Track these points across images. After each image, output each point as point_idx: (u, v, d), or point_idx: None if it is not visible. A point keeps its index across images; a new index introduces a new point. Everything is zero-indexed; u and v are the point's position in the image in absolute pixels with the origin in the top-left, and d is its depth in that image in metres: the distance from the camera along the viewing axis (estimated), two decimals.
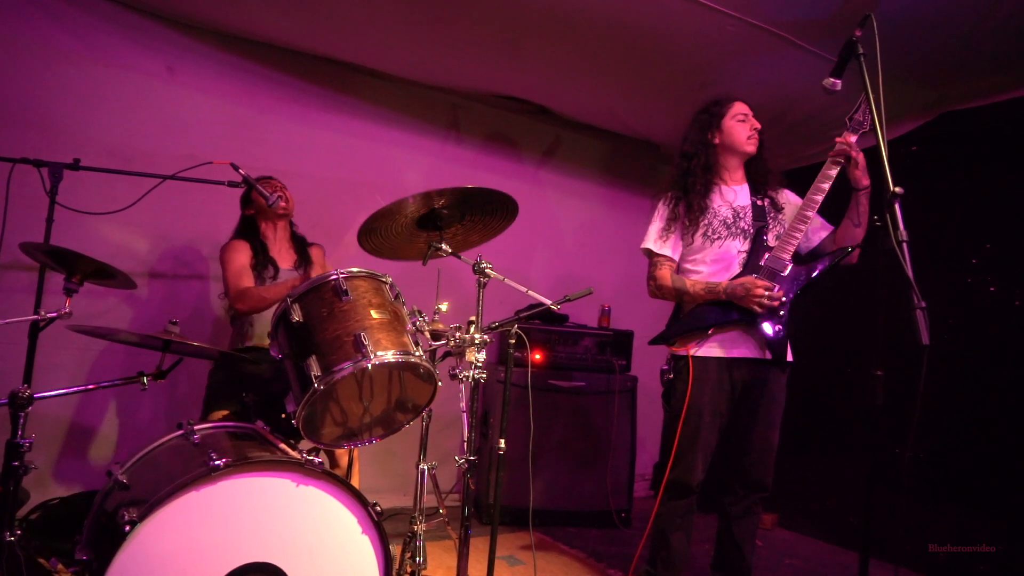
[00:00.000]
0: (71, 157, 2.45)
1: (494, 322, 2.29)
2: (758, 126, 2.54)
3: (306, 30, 3.30)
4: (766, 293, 2.33)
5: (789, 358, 2.48)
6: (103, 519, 1.78)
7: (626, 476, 3.80)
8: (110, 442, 3.14)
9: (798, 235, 2.38)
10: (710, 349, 2.45)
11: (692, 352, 2.45)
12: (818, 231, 2.52)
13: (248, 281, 2.69)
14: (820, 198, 2.35)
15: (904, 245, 1.69)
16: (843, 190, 2.39)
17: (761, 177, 2.57)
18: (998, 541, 3.01)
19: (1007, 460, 3.07)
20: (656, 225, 2.57)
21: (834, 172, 2.34)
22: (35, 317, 2.06)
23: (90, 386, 2.07)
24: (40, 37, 2.98)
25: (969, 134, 3.37)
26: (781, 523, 3.97)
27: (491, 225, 2.34)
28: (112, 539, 1.58)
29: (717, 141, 2.54)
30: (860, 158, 2.32)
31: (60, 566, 1.81)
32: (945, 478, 3.23)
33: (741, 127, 2.52)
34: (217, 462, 1.65)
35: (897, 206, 1.74)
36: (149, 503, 1.60)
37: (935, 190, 3.41)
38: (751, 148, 2.53)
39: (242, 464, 1.72)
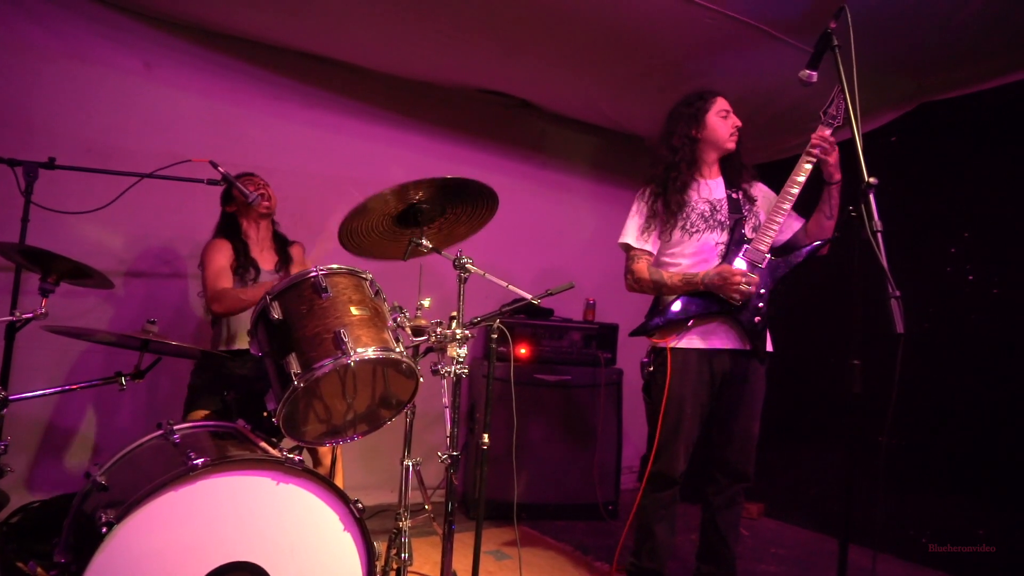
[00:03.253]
0: (46, 156, 2.42)
1: (477, 317, 2.29)
2: (739, 123, 2.56)
3: (286, 25, 3.27)
4: (743, 280, 2.35)
5: (769, 348, 2.50)
6: (81, 521, 1.76)
7: (613, 468, 3.82)
8: (92, 444, 3.11)
9: (775, 227, 2.40)
10: (690, 341, 2.46)
11: (672, 344, 2.46)
12: (791, 225, 2.54)
13: (227, 282, 2.65)
14: (796, 191, 2.37)
15: (879, 235, 1.71)
16: (814, 184, 2.41)
17: (735, 171, 2.60)
18: (978, 526, 3.05)
19: (987, 446, 3.11)
20: (635, 220, 2.58)
21: (809, 167, 2.36)
22: (11, 318, 2.03)
23: (66, 387, 2.05)
24: (13, 33, 2.93)
25: (947, 124, 3.40)
26: (767, 513, 4.00)
27: (474, 218, 2.33)
28: (90, 541, 1.56)
29: (699, 136, 2.55)
30: (834, 154, 2.34)
31: (39, 569, 1.79)
32: (926, 465, 3.27)
33: (724, 124, 2.54)
34: (196, 461, 1.64)
35: (872, 196, 1.75)
36: (127, 504, 1.58)
37: (914, 180, 3.44)
38: (731, 146, 2.56)
39: (221, 463, 1.71)
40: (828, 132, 2.32)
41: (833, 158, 2.35)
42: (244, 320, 2.64)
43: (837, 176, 2.38)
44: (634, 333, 2.59)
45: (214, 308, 2.61)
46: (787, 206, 2.38)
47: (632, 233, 2.57)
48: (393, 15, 3.03)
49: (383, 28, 3.19)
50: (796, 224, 2.55)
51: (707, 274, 2.41)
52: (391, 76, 3.79)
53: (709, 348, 2.46)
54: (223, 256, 2.71)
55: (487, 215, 2.31)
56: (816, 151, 2.33)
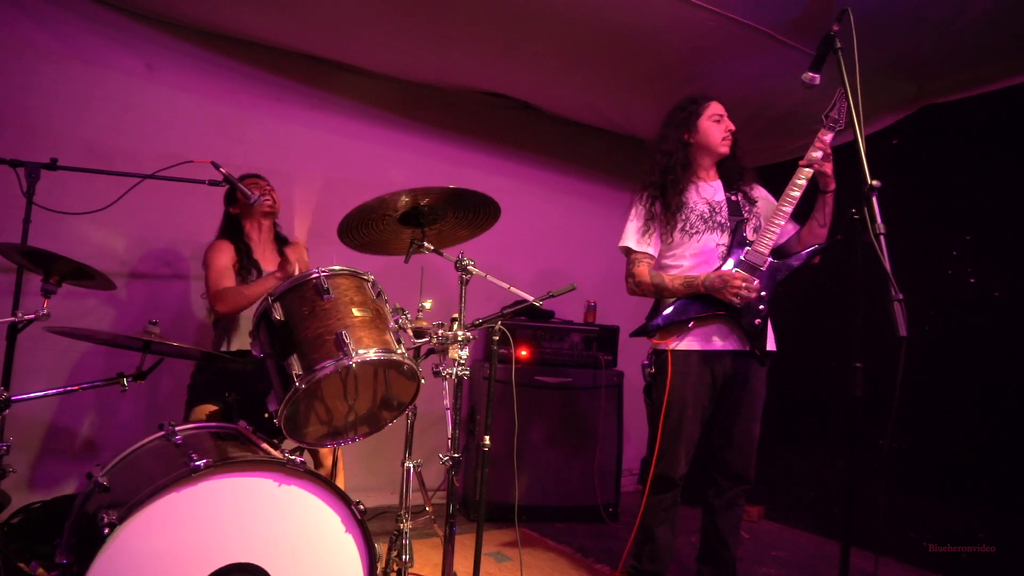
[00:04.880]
0: (48, 157, 2.42)
1: (478, 319, 2.29)
2: (733, 127, 2.57)
3: (288, 27, 3.27)
4: (744, 284, 2.35)
5: (772, 347, 2.51)
6: (83, 522, 1.76)
7: (613, 470, 3.82)
8: (93, 445, 3.11)
9: (776, 230, 2.40)
10: (691, 342, 2.46)
11: (672, 346, 2.46)
12: (787, 229, 2.54)
13: (229, 282, 2.66)
14: (797, 194, 2.37)
15: (881, 238, 1.71)
16: (810, 191, 2.42)
17: (734, 174, 2.60)
18: (980, 529, 3.05)
19: (989, 449, 3.11)
20: (634, 223, 2.58)
21: (804, 180, 2.36)
22: (13, 319, 2.04)
23: (69, 388, 2.05)
24: (16, 34, 2.94)
25: (949, 127, 3.40)
26: (768, 515, 4.00)
27: (476, 222, 2.33)
28: (92, 542, 1.56)
29: (692, 140, 2.56)
30: (829, 165, 2.34)
31: (40, 570, 1.79)
32: (927, 468, 3.27)
33: (716, 128, 2.54)
34: (198, 463, 1.64)
35: (874, 199, 1.75)
36: (129, 505, 1.58)
37: (916, 183, 3.44)
38: (725, 149, 2.56)
39: (223, 464, 1.71)
40: (830, 137, 2.33)
41: (829, 168, 2.35)
42: (247, 321, 2.65)
43: (832, 186, 2.39)
44: (635, 334, 2.59)
45: (218, 308, 2.62)
46: (788, 209, 2.38)
47: (632, 236, 2.57)
48: (395, 17, 3.04)
49: (385, 30, 3.19)
50: (791, 229, 2.56)
51: (707, 277, 2.42)
52: (393, 78, 3.80)
53: (710, 349, 2.47)
54: (225, 257, 2.71)
55: (489, 221, 2.32)
56: (817, 155, 2.33)
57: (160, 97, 3.26)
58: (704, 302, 2.44)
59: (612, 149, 4.62)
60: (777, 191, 2.47)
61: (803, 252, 2.45)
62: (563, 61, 3.38)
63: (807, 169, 2.35)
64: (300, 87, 3.61)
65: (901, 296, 1.64)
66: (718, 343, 2.47)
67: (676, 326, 2.47)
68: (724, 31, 2.90)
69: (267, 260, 2.81)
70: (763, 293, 2.42)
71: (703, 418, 2.49)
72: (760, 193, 2.64)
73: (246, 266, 2.74)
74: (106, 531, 1.54)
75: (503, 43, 3.24)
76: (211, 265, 2.69)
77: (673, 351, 2.46)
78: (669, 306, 2.50)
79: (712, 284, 2.39)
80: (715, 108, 2.56)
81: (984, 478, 3.11)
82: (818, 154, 2.33)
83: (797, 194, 2.37)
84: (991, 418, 3.12)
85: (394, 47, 3.39)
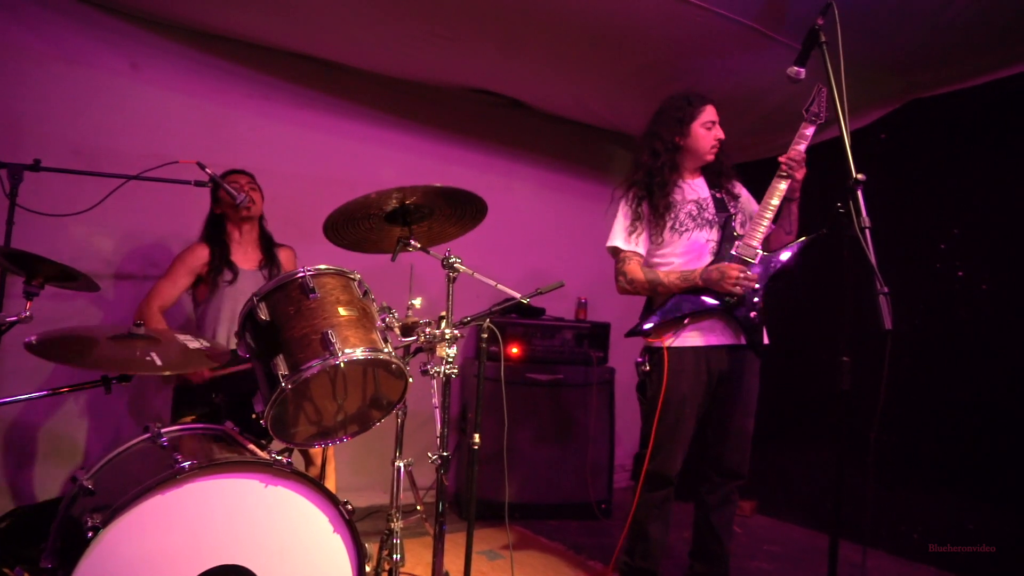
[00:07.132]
0: (32, 158, 2.40)
1: (466, 317, 2.28)
2: (722, 136, 2.58)
3: (275, 25, 3.25)
4: (741, 275, 2.35)
5: (765, 341, 2.51)
6: (67, 526, 1.74)
7: (606, 467, 3.82)
8: (82, 448, 3.09)
9: (765, 224, 2.41)
10: (686, 339, 2.46)
11: (668, 343, 2.46)
12: None
13: (160, 301, 2.73)
14: (776, 203, 2.40)
15: (867, 232, 1.71)
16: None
17: (716, 173, 2.62)
18: (968, 521, 3.06)
19: (976, 442, 3.12)
20: (622, 222, 2.58)
21: (783, 185, 2.39)
22: None
23: (52, 391, 2.03)
24: None
25: (937, 120, 3.41)
26: (760, 510, 4.00)
27: (464, 219, 2.32)
28: (76, 546, 1.55)
29: (682, 144, 2.56)
30: (800, 172, 2.38)
31: (25, 575, 1.77)
32: (916, 461, 3.28)
33: (707, 136, 2.55)
34: (183, 464, 1.63)
35: (860, 193, 1.75)
36: (113, 508, 1.56)
37: (904, 177, 3.45)
38: (711, 158, 2.58)
39: (208, 466, 1.69)
40: (811, 130, 2.34)
41: (800, 175, 2.38)
42: (232, 321, 2.63)
43: (797, 195, 2.44)
44: (630, 334, 2.58)
45: (141, 304, 2.70)
46: (770, 215, 2.40)
47: (620, 235, 2.57)
48: (384, 15, 3.02)
49: (374, 28, 3.17)
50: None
51: (705, 270, 2.41)
52: (382, 76, 3.78)
53: (706, 345, 2.47)
54: (184, 269, 2.76)
55: (477, 218, 2.30)
56: (785, 170, 2.37)
57: (146, 96, 3.23)
58: (698, 297, 2.44)
59: (602, 146, 4.62)
60: (764, 186, 2.47)
61: (794, 245, 2.46)
62: (553, 58, 3.37)
63: (780, 184, 2.38)
64: (288, 85, 3.58)
65: (887, 290, 1.64)
66: (713, 338, 2.47)
67: (671, 323, 2.47)
68: (712, 27, 2.89)
69: (248, 260, 2.82)
70: (757, 286, 2.43)
71: (698, 415, 2.49)
72: (740, 189, 2.66)
73: (218, 267, 2.75)
74: (90, 535, 1.53)
75: (493, 41, 3.23)
76: (170, 271, 2.76)
77: (669, 348, 2.46)
78: (663, 303, 2.50)
79: (709, 277, 2.39)
80: (709, 114, 2.55)
81: (973, 471, 3.12)
82: (786, 168, 2.36)
83: (777, 202, 2.39)
84: (979, 411, 3.13)
85: (383, 45, 3.37)
